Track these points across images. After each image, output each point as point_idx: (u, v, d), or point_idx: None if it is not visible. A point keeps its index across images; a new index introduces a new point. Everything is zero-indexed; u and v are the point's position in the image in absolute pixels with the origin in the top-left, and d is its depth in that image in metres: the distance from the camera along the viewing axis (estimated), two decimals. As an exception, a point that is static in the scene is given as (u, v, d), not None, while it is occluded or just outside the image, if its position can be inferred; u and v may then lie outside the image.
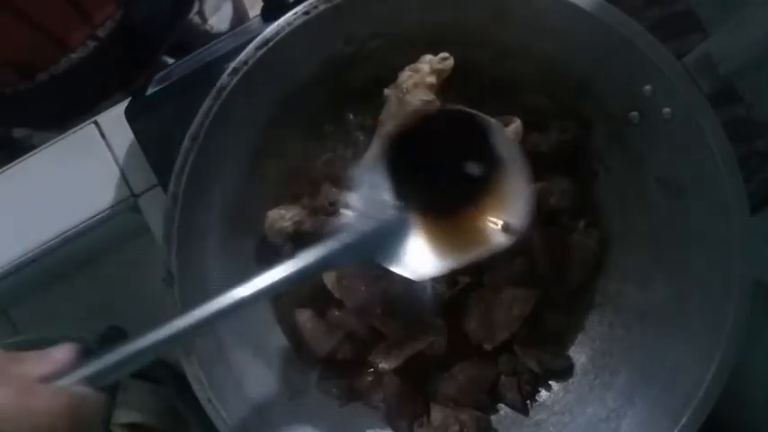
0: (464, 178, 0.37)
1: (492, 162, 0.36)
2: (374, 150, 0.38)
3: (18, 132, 0.64)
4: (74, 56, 0.53)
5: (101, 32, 0.53)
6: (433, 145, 0.37)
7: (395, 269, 0.35)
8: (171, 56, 0.64)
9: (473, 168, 0.37)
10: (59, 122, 0.62)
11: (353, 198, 0.35)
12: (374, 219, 0.35)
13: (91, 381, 0.26)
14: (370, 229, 0.34)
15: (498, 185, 0.36)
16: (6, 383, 0.26)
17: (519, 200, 0.36)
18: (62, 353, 0.28)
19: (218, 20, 0.69)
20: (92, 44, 0.53)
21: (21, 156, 0.52)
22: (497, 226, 0.36)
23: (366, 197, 0.35)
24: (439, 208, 0.36)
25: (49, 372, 0.26)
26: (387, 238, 0.35)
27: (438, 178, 0.37)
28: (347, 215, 0.35)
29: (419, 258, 0.35)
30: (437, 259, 0.35)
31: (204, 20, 0.69)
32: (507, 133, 0.37)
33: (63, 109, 0.60)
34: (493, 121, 0.36)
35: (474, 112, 0.36)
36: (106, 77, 0.58)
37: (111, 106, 0.51)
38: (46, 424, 0.25)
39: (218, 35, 0.67)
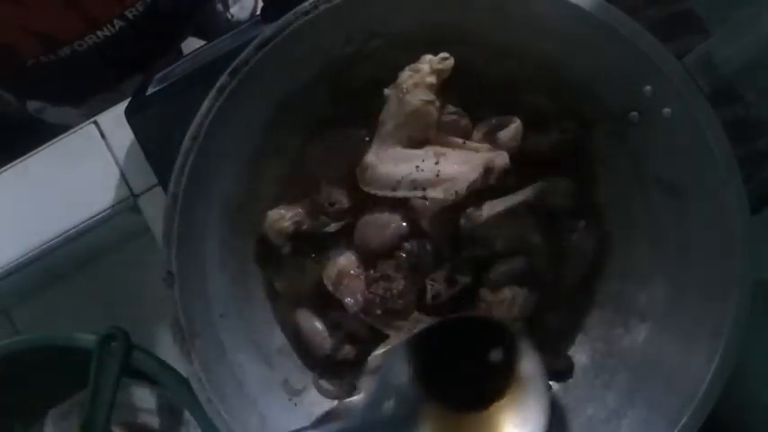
0: (482, 385, 0.36)
1: (514, 376, 0.36)
2: (396, 341, 0.37)
3: (31, 105, 0.64)
4: (99, 33, 0.53)
5: (129, 13, 0.53)
6: (458, 345, 0.36)
7: None
8: (197, 36, 0.65)
9: (492, 378, 0.36)
10: (76, 98, 0.62)
11: (366, 382, 0.34)
12: (383, 408, 0.34)
13: None
14: (377, 418, 0.33)
15: (516, 401, 0.36)
16: None
17: (533, 421, 0.35)
18: None
19: (239, 9, 0.70)
20: (118, 24, 0.53)
21: (30, 132, 0.52)
22: None
23: (381, 384, 0.34)
24: (451, 409, 0.36)
25: None
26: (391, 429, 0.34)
27: (455, 380, 0.36)
28: (356, 398, 0.34)
29: None
30: None
31: (226, 7, 0.69)
32: (536, 357, 0.37)
33: (81, 86, 0.61)
34: (525, 339, 0.36)
35: (510, 326, 0.36)
36: (127, 58, 0.59)
37: (129, 87, 0.51)
38: None
39: (238, 23, 0.68)
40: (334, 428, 0.32)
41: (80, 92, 0.62)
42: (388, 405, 0.34)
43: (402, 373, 0.35)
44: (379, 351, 0.36)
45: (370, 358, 0.36)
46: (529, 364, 0.36)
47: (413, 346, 0.36)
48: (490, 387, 0.36)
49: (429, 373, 0.35)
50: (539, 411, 0.35)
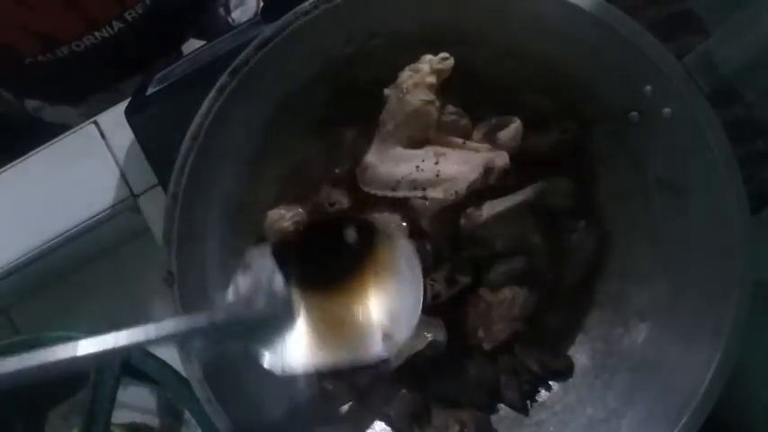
0: (357, 278, 0.37)
1: (391, 269, 0.36)
2: (272, 238, 0.38)
3: (30, 104, 0.64)
4: (97, 34, 0.53)
5: (128, 15, 0.53)
6: (333, 243, 0.37)
7: (263, 361, 0.34)
8: (199, 37, 0.65)
9: (367, 270, 0.37)
10: (74, 98, 0.62)
11: (240, 280, 0.34)
12: (255, 306, 0.34)
13: None
14: (248, 315, 0.34)
15: (390, 295, 0.36)
16: None
17: (406, 313, 0.35)
18: None
19: (241, 13, 0.70)
20: (117, 25, 0.53)
21: (30, 132, 0.52)
22: (379, 334, 0.35)
23: (253, 281, 0.35)
24: (325, 307, 0.36)
25: None
26: (263, 329, 0.34)
27: (331, 275, 0.37)
28: (228, 294, 0.34)
29: (291, 352, 0.34)
30: (308, 356, 0.34)
31: (228, 12, 0.70)
32: (409, 246, 0.37)
33: (79, 85, 0.61)
34: (398, 233, 0.37)
35: (378, 223, 0.37)
36: (125, 60, 0.59)
37: (129, 86, 0.51)
38: None
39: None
40: (204, 321, 0.32)
41: (78, 91, 0.62)
42: (260, 300, 0.34)
43: (273, 269, 0.35)
44: (252, 251, 0.36)
45: (244, 258, 0.36)
46: (401, 252, 0.37)
47: (284, 245, 0.37)
48: (364, 278, 0.37)
49: (302, 268, 0.36)
50: (409, 309, 0.36)
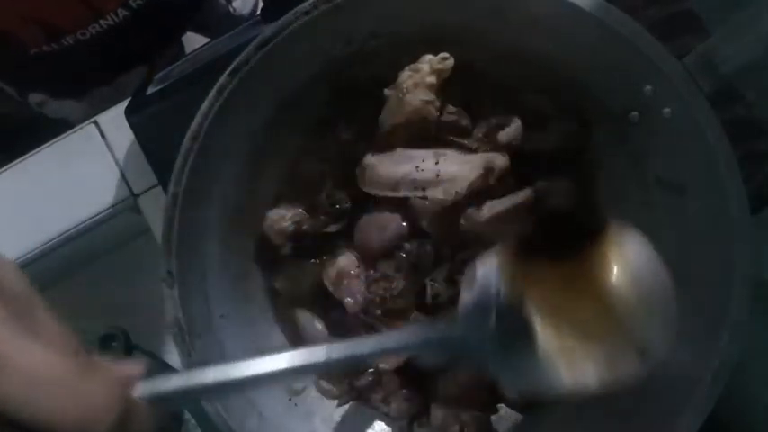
0: (591, 288, 0.33)
1: (631, 275, 0.32)
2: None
3: (33, 98, 0.64)
4: (103, 23, 0.53)
5: (133, 3, 0.53)
6: (565, 252, 0.33)
7: (500, 381, 0.31)
8: (198, 32, 0.65)
9: (601, 278, 0.32)
10: (78, 90, 0.62)
11: (466, 295, 0.32)
12: (485, 323, 0.31)
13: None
14: (479, 331, 0.31)
15: (637, 304, 0.32)
16: (65, 354, 0.22)
17: (660, 323, 0.31)
18: (134, 368, 0.25)
19: (242, 3, 0.70)
20: (122, 14, 0.53)
21: (30, 132, 0.52)
22: (631, 348, 0.31)
23: (481, 296, 0.31)
24: (562, 321, 0.32)
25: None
26: (496, 346, 0.31)
27: (561, 286, 0.33)
28: (457, 312, 0.31)
29: (531, 372, 0.31)
30: (552, 376, 0.31)
31: (229, 1, 0.70)
32: (647, 248, 0.32)
33: (82, 76, 0.60)
34: (635, 233, 0.32)
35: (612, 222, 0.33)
36: (129, 49, 0.58)
37: (130, 79, 0.50)
38: (91, 410, 0.21)
39: (240, 17, 0.68)
40: (435, 335, 0.30)
41: (82, 83, 0.62)
42: (490, 316, 0.31)
43: (501, 282, 0.32)
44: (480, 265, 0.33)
45: (468, 272, 0.34)
46: (640, 255, 0.32)
47: (508, 259, 0.33)
48: (600, 288, 0.33)
49: (530, 281, 0.32)
50: (660, 315, 0.31)
